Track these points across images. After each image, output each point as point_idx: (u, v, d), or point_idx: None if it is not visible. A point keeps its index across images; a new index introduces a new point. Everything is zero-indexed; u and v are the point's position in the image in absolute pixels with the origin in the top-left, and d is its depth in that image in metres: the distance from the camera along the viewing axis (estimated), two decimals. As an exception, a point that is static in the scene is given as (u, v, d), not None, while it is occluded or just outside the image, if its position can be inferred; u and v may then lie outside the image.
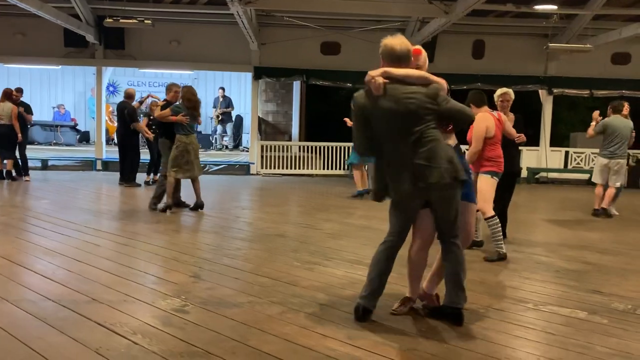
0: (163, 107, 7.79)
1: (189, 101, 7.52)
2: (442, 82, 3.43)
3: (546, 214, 9.01)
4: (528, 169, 14.10)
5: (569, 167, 14.54)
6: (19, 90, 10.98)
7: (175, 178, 7.49)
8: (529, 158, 14.37)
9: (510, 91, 5.92)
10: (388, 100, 3.30)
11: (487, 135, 5.15)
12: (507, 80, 13.94)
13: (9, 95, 10.64)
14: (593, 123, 8.59)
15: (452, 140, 3.53)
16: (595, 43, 12.15)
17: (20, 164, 10.98)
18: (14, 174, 10.80)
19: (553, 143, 14.83)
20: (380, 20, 12.92)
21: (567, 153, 14.72)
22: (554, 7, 11.36)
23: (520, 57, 13.87)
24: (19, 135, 10.48)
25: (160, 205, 7.58)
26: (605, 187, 8.43)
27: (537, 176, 14.16)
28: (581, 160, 14.48)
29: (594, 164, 9.10)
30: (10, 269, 4.50)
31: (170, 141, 7.55)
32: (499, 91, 5.97)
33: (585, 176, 14.19)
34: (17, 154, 10.84)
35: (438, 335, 3.29)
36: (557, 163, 14.51)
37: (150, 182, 10.54)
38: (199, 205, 7.66)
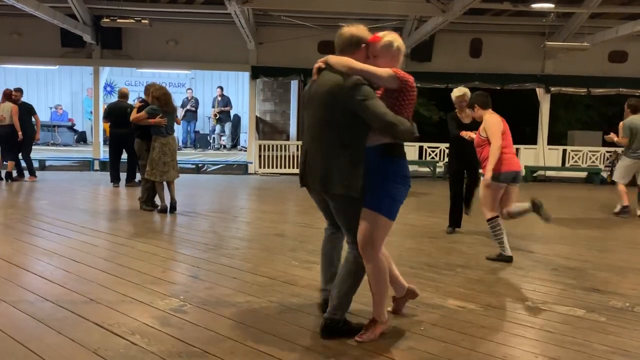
0: (140, 109, 7.61)
1: (160, 100, 7.36)
2: (390, 73, 2.98)
3: (544, 212, 9.01)
4: (526, 167, 14.11)
5: (567, 165, 14.57)
6: (19, 90, 10.96)
7: (152, 180, 7.39)
8: (526, 156, 14.40)
9: (468, 91, 6.17)
10: (315, 87, 3.16)
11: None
12: (505, 79, 14.04)
13: (8, 95, 10.63)
14: (613, 136, 8.39)
15: (374, 140, 3.04)
16: (592, 41, 12.18)
17: (25, 164, 10.97)
18: (14, 175, 10.79)
19: (550, 141, 14.85)
20: (378, 19, 12.91)
21: (564, 151, 14.75)
22: (551, 5, 11.37)
23: (518, 56, 13.89)
24: (19, 134, 10.45)
25: (157, 207, 7.58)
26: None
27: (534, 174, 14.18)
28: (579, 159, 14.50)
29: (618, 165, 8.77)
30: (8, 269, 4.49)
31: (146, 142, 7.47)
32: (459, 92, 6.10)
33: (583, 174, 14.25)
34: (19, 154, 10.84)
35: (437, 334, 3.29)
36: (554, 161, 14.54)
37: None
38: (172, 207, 7.50)
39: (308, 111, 3.27)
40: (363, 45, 3.12)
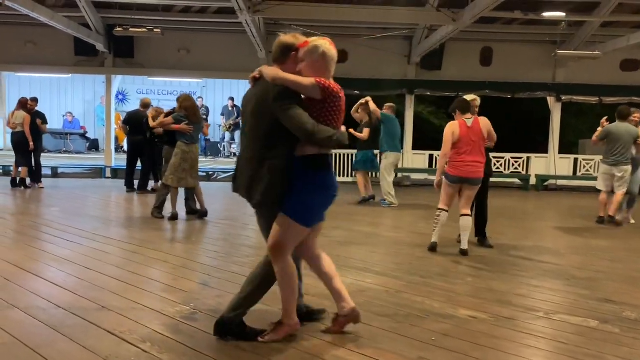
0: (166, 116, 7.84)
1: (187, 109, 7.51)
2: (312, 82, 3.02)
3: (555, 221, 8.95)
4: (537, 176, 14.04)
5: (578, 174, 14.46)
6: (34, 100, 11.15)
7: (169, 185, 7.47)
8: (537, 165, 14.33)
9: (477, 97, 6.42)
10: (249, 96, 3.27)
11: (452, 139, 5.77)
12: (515, 87, 14.01)
13: (24, 104, 10.84)
14: (599, 129, 8.50)
15: (300, 150, 3.09)
16: (603, 50, 12.12)
17: (34, 171, 11.11)
18: (28, 182, 10.93)
19: (561, 150, 14.77)
20: (388, 28, 12.97)
21: (576, 160, 14.65)
22: (562, 14, 11.36)
23: (529, 64, 13.86)
24: (31, 143, 10.60)
25: (168, 214, 7.63)
26: (611, 194, 8.36)
27: (545, 183, 14.09)
28: (590, 167, 14.39)
29: (598, 172, 8.86)
30: (20, 276, 4.53)
31: (172, 149, 7.61)
32: (468, 97, 6.30)
33: (595, 183, 14.10)
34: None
35: (449, 345, 3.27)
36: (566, 170, 14.44)
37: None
38: (203, 214, 7.68)
39: (242, 119, 3.37)
40: (293, 52, 3.17)
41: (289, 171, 3.07)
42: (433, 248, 5.90)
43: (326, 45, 3.16)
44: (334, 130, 3.07)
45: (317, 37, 3.22)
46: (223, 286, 4.35)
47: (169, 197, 7.67)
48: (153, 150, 10.60)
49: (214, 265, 5.09)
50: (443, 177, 5.89)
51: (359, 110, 9.65)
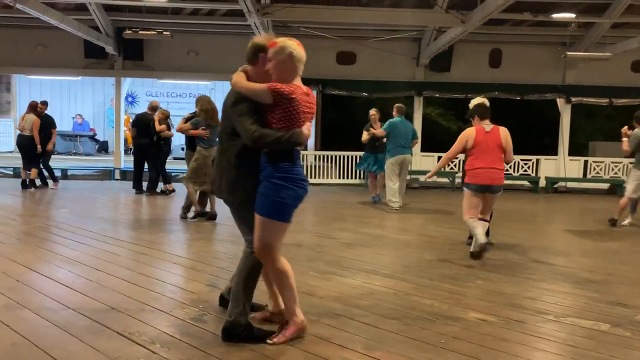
0: (187, 120, 7.95)
1: (206, 112, 7.58)
2: (263, 88, 3.09)
3: (565, 223, 8.88)
4: (546, 178, 13.95)
5: (588, 176, 14.36)
6: (44, 103, 11.23)
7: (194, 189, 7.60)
8: (547, 167, 14.23)
9: (486, 101, 6.25)
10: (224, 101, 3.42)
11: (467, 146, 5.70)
12: (525, 89, 13.94)
13: (34, 107, 10.93)
14: (625, 139, 8.31)
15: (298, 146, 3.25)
16: (614, 51, 12.03)
17: (47, 173, 11.23)
18: (37, 183, 11.02)
19: (570, 152, 14.66)
20: (396, 30, 12.95)
21: (586, 162, 14.54)
22: (572, 15, 11.29)
23: (538, 66, 13.77)
24: (38, 147, 10.68)
25: (190, 214, 7.73)
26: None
27: (555, 185, 13.99)
28: (600, 170, 14.28)
29: (630, 177, 8.41)
30: (31, 277, 4.56)
31: (193, 153, 7.71)
32: (477, 101, 6.23)
33: (605, 186, 14.03)
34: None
35: (458, 347, 3.25)
36: (575, 172, 14.33)
37: (167, 192, 10.71)
38: (212, 216, 7.70)
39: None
40: (262, 53, 3.24)
41: (254, 170, 3.20)
42: (483, 248, 5.46)
43: (293, 45, 3.19)
44: (283, 132, 3.11)
45: (286, 38, 3.26)
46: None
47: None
48: (159, 152, 10.66)
49: (222, 266, 5.09)
50: (465, 188, 5.74)
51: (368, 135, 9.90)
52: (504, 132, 5.70)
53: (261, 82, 3.16)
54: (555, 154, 14.50)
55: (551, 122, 16.14)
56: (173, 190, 10.76)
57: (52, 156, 11.84)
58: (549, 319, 3.86)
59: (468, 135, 5.72)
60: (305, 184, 3.26)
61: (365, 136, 9.90)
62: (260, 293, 3.63)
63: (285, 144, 3.13)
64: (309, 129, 3.26)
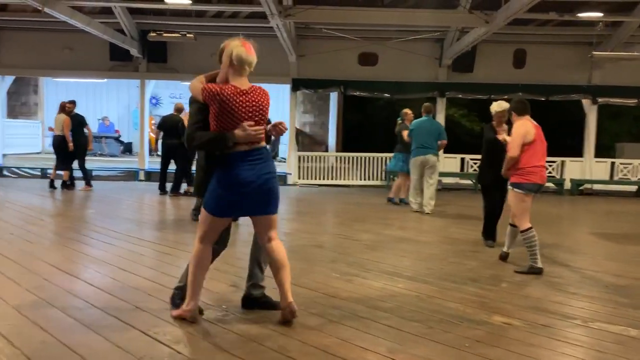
0: None
1: None
2: (197, 89, 3.39)
3: (591, 226, 8.72)
4: (572, 180, 13.72)
5: (615, 178, 14.07)
6: (72, 102, 11.46)
7: None
8: (572, 169, 14.00)
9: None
10: None
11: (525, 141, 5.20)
12: (550, 90, 13.72)
13: (63, 107, 11.20)
14: None
15: (241, 147, 3.37)
16: (642, 50, 11.78)
17: (82, 174, 11.43)
18: (68, 183, 11.25)
19: (597, 154, 14.39)
20: (418, 31, 12.87)
21: (613, 164, 14.26)
22: (599, 14, 11.08)
23: (563, 66, 13.54)
24: (70, 145, 10.90)
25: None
26: None
27: (580, 187, 13.75)
28: (628, 172, 13.99)
29: None
30: (58, 276, 4.64)
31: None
32: (499, 107, 6.14)
33: (633, 188, 13.73)
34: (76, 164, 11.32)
35: (483, 352, 3.21)
36: (602, 174, 14.06)
37: (189, 193, 10.82)
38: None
39: None
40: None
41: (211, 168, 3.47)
42: (541, 271, 5.13)
43: (235, 45, 3.36)
44: (215, 134, 3.33)
45: (235, 39, 3.40)
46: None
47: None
48: (186, 153, 10.76)
49: (245, 266, 5.08)
50: (518, 190, 5.24)
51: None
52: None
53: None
54: (581, 155, 14.25)
55: (576, 123, 15.86)
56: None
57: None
58: (576, 324, 3.79)
59: (527, 128, 5.20)
60: (241, 188, 3.37)
61: (406, 134, 9.62)
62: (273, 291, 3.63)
63: (214, 145, 3.36)
64: (251, 127, 3.32)
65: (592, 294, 4.58)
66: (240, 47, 3.35)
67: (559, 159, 14.11)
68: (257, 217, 3.59)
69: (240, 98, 3.32)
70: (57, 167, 11.20)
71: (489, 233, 6.50)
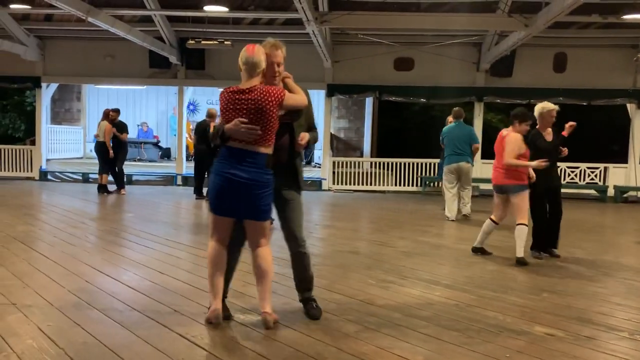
0: None
1: None
2: None
3: (636, 235, 8.41)
4: (615, 187, 13.28)
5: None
6: (115, 111, 11.82)
7: None
8: (616, 176, 13.55)
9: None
10: None
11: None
12: (592, 94, 13.35)
13: (107, 115, 11.59)
14: None
15: (233, 143, 3.56)
16: (690, 53, 11.34)
17: (116, 178, 11.77)
18: (110, 188, 11.61)
19: (643, 160, 13.88)
20: (455, 35, 12.72)
21: (659, 170, 13.73)
22: (645, 16, 10.71)
23: (606, 70, 13.15)
24: (110, 152, 11.25)
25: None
26: None
27: (625, 195, 13.29)
28: (676, 179, 13.45)
29: None
30: (99, 278, 4.75)
31: None
32: (550, 106, 6.09)
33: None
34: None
35: (523, 363, 3.12)
36: (648, 181, 13.56)
37: None
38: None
39: None
40: None
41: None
42: (523, 263, 5.74)
43: (242, 50, 3.57)
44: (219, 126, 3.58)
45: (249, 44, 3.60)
46: (289, 294, 4.37)
47: None
48: (212, 158, 10.89)
49: (281, 272, 5.11)
50: (525, 190, 5.90)
51: None
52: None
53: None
54: (625, 161, 13.78)
55: (620, 129, 15.36)
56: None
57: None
58: (622, 336, 3.65)
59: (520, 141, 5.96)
60: (221, 181, 3.50)
61: None
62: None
63: (214, 137, 3.57)
64: (243, 123, 3.41)
65: (638, 306, 4.41)
66: (243, 51, 3.55)
67: (602, 165, 13.69)
68: (246, 222, 3.66)
69: (235, 96, 3.49)
70: (100, 171, 11.57)
71: (547, 242, 6.18)
